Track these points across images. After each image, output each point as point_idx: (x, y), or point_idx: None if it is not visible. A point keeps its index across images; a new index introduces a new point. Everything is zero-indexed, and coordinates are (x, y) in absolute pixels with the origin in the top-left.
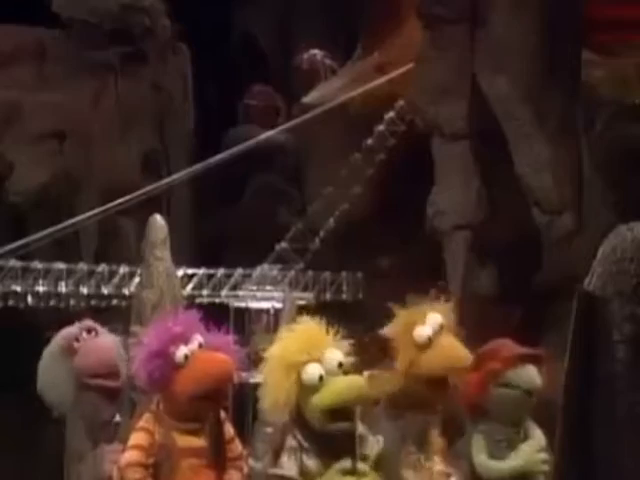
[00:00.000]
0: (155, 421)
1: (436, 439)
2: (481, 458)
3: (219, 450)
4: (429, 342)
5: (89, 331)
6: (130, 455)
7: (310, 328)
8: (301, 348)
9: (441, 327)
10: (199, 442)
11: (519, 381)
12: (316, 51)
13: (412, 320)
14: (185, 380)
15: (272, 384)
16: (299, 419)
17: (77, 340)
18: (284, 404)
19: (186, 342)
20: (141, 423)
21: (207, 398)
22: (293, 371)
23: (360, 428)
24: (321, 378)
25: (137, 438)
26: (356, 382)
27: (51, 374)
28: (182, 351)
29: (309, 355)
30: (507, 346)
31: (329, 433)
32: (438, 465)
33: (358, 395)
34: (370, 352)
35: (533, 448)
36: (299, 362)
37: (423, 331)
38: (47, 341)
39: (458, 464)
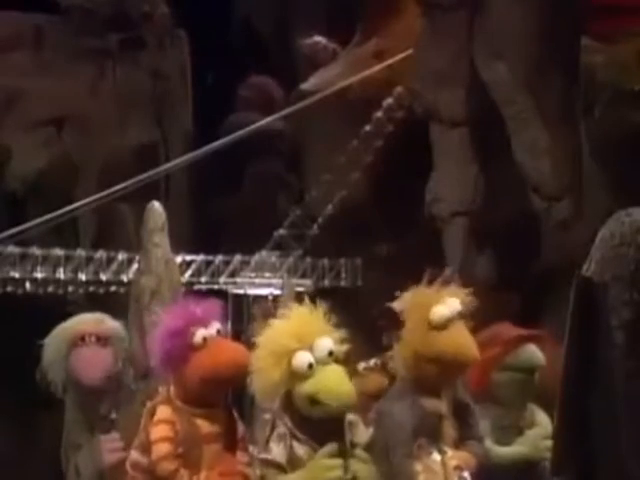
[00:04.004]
0: (173, 411)
1: (449, 430)
2: (487, 443)
3: (231, 433)
4: (445, 324)
5: (98, 338)
6: (160, 448)
7: (303, 315)
8: (292, 335)
9: (459, 314)
10: (218, 427)
11: (520, 363)
12: (319, 37)
13: (428, 298)
14: (199, 362)
15: (262, 370)
16: (290, 406)
17: (82, 339)
18: (273, 391)
19: (205, 326)
20: (159, 416)
21: (217, 383)
22: (284, 358)
23: (351, 415)
24: (310, 366)
25: (160, 431)
26: (346, 391)
27: (52, 356)
28: (201, 333)
29: (300, 342)
30: (505, 330)
31: (317, 419)
32: (451, 460)
33: (346, 404)
34: (379, 327)
35: (539, 435)
36: (289, 349)
37: (441, 311)
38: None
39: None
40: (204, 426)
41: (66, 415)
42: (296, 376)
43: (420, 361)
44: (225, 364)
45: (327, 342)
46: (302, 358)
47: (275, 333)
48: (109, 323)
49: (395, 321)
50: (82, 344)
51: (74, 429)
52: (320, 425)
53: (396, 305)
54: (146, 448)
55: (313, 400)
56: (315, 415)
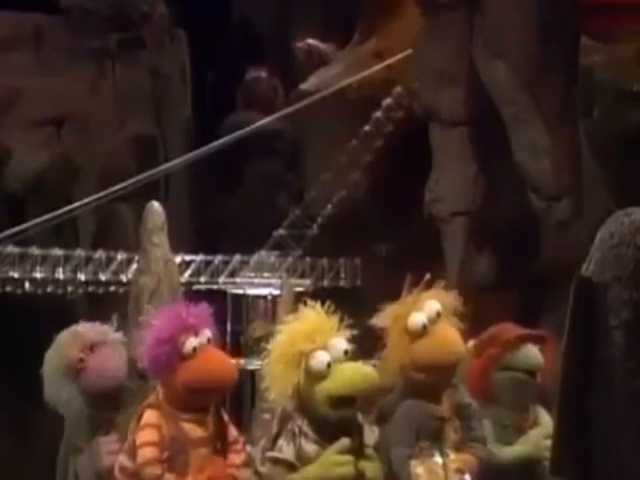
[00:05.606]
0: (160, 416)
1: (451, 433)
2: (489, 444)
3: (221, 436)
4: (424, 330)
5: (91, 349)
6: (145, 453)
7: (314, 316)
8: (307, 336)
9: (438, 315)
10: (207, 431)
11: (519, 363)
12: (310, 40)
13: (405, 308)
14: (187, 372)
15: (279, 374)
16: (301, 405)
17: (81, 361)
18: (290, 392)
19: (196, 334)
20: (145, 420)
21: (203, 394)
22: (300, 359)
23: (358, 417)
24: (329, 365)
25: (146, 435)
26: (369, 372)
27: (56, 389)
28: (191, 343)
29: (315, 343)
30: (506, 329)
31: (331, 420)
32: (453, 462)
33: (371, 385)
34: (365, 345)
35: (541, 434)
36: (306, 350)
37: (417, 318)
38: (49, 330)
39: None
40: (192, 430)
41: (66, 421)
42: (313, 376)
43: (408, 372)
44: (212, 376)
45: (342, 342)
46: (321, 358)
47: (289, 335)
48: (96, 328)
49: (379, 339)
50: (82, 363)
51: (76, 433)
52: (335, 425)
53: (376, 321)
54: (133, 452)
55: (333, 399)
56: (333, 416)
